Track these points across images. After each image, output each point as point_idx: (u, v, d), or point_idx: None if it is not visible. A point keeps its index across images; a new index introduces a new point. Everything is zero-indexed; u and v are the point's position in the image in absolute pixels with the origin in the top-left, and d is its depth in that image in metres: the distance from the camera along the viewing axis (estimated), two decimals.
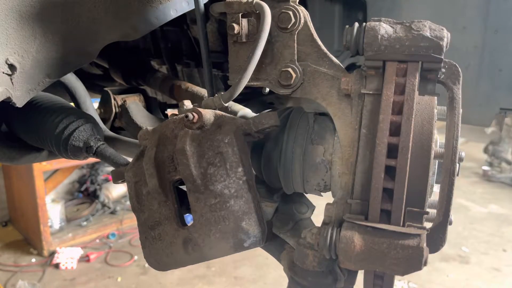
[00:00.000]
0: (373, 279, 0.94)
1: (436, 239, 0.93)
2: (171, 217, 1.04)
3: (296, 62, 1.05)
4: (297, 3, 1.04)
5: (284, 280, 1.09)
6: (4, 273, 4.92)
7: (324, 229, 0.92)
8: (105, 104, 1.96)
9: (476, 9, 1.59)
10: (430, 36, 0.91)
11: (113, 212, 6.13)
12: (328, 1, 1.85)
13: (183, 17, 1.54)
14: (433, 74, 0.95)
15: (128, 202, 5.96)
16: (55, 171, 5.91)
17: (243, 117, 1.26)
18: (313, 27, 1.04)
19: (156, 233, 1.06)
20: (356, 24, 0.97)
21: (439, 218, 0.94)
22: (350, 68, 1.76)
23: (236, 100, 1.24)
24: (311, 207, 1.28)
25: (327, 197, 1.10)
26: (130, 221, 5.87)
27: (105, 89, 1.99)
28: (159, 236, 1.06)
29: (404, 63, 0.92)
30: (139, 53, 2.21)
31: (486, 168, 7.99)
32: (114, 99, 1.93)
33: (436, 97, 0.96)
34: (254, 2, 1.02)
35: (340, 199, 0.97)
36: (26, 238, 5.61)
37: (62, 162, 5.15)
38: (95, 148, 1.38)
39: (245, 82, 1.04)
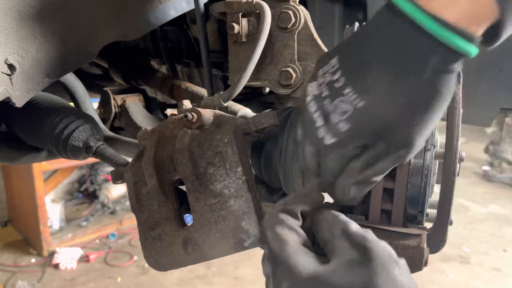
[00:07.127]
0: None
1: (437, 239, 0.93)
2: (171, 217, 1.04)
3: (296, 62, 1.04)
4: (297, 3, 1.03)
5: None
6: (4, 273, 4.92)
7: None
8: (104, 104, 1.96)
9: None
10: None
11: (113, 212, 6.13)
12: (329, 1, 1.85)
13: (183, 17, 1.53)
14: None
15: (127, 202, 5.95)
16: (55, 171, 5.91)
17: (243, 117, 1.26)
18: (313, 27, 1.04)
19: (156, 233, 1.06)
20: (356, 24, 0.97)
21: (439, 218, 0.93)
22: None
23: (236, 100, 1.24)
24: None
25: (327, 197, 1.09)
26: (130, 222, 5.86)
27: (105, 89, 1.98)
28: (159, 236, 1.05)
29: None
30: (139, 53, 2.21)
31: (486, 168, 7.98)
32: (114, 99, 1.93)
33: None
34: (254, 1, 1.02)
35: None
36: (26, 238, 5.61)
37: (61, 162, 5.15)
38: (94, 148, 1.37)
39: (244, 81, 1.04)
